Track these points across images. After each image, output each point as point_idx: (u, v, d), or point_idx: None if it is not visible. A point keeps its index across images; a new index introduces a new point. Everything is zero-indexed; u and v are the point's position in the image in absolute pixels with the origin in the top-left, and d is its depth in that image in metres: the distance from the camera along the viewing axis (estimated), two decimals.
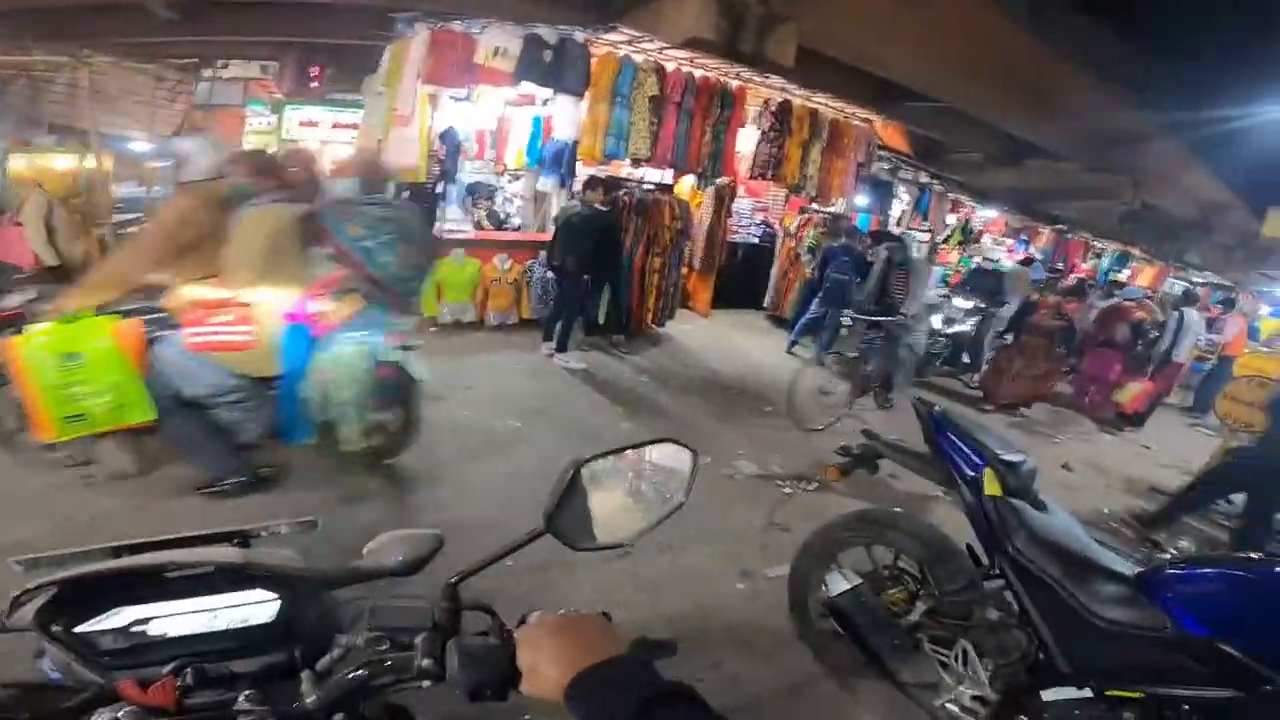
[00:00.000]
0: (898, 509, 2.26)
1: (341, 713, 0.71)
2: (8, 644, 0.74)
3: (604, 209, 5.43)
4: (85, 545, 0.72)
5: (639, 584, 2.69)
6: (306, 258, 2.63)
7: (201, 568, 0.69)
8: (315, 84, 12.16)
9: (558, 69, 5.48)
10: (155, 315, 2.53)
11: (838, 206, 8.33)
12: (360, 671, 0.64)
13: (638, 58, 5.92)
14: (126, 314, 2.49)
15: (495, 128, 7.67)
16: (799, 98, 6.94)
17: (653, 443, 0.76)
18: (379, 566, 0.78)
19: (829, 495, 3.68)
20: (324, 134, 12.04)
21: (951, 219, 10.99)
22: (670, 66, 6.07)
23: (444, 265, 5.83)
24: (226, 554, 0.72)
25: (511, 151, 7.31)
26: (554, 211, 6.27)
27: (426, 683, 0.63)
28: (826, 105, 7.20)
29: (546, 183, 6.40)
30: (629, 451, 0.74)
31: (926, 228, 10.35)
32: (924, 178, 9.77)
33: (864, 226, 8.65)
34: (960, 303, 7.47)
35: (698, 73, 6.23)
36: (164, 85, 8.20)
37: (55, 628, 0.65)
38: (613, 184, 6.14)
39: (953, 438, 1.95)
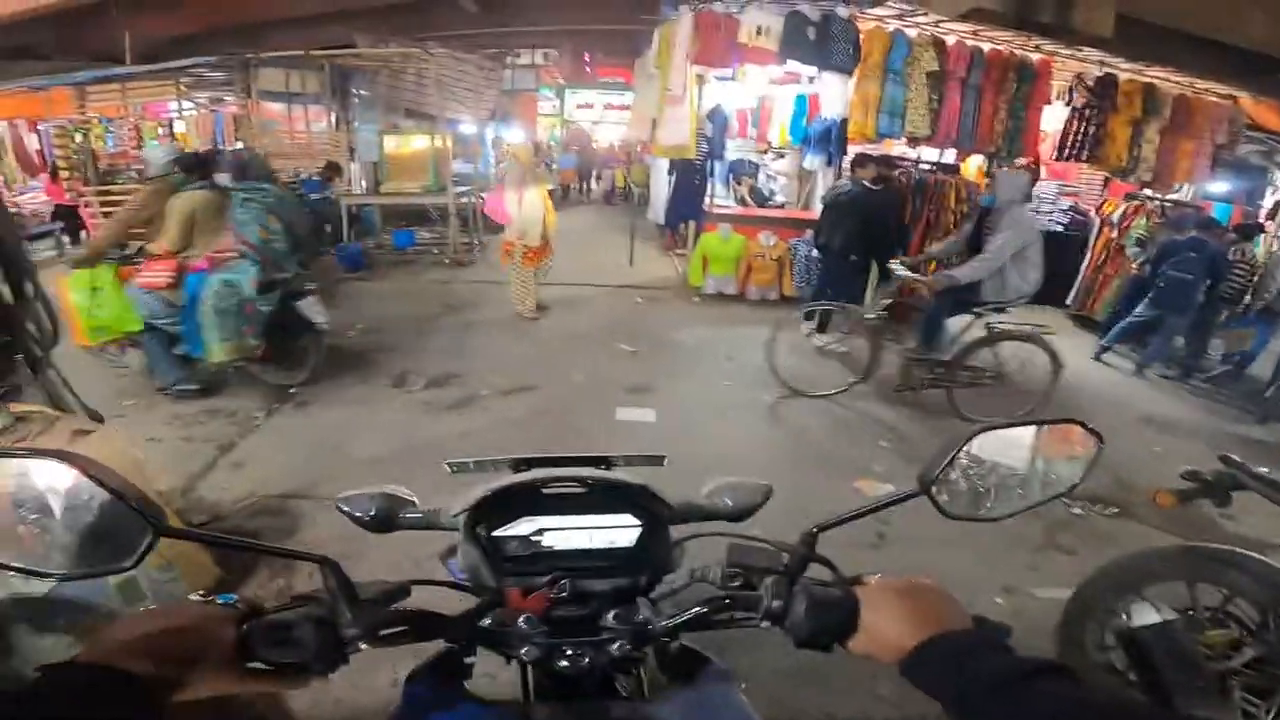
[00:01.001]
0: (1240, 549, 1.87)
1: (680, 639, 0.77)
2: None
3: (875, 188, 5.05)
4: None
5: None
6: (215, 228, 3.74)
7: (607, 485, 0.75)
8: (589, 69, 13.56)
9: (823, 46, 5.27)
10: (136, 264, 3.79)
11: (1182, 193, 6.64)
12: (713, 603, 0.67)
13: (910, 32, 5.46)
14: (123, 261, 3.74)
15: (756, 106, 7.70)
16: (1126, 71, 5.84)
17: (1055, 422, 0.72)
18: (715, 508, 0.82)
19: (1129, 524, 3.15)
20: (597, 114, 13.49)
21: None
22: (951, 40, 5.51)
23: (709, 239, 6.13)
24: (629, 478, 0.77)
25: (774, 129, 7.23)
26: (820, 190, 6.05)
27: (766, 623, 0.65)
28: (1168, 80, 5.95)
29: (813, 161, 6.20)
30: (1030, 427, 0.71)
31: None
32: None
33: (1223, 218, 6.74)
34: None
35: (986, 46, 5.59)
36: (482, 73, 9.67)
37: (479, 529, 0.73)
38: (886, 163, 5.69)
39: None
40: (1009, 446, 0.70)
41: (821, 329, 5.28)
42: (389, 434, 3.46)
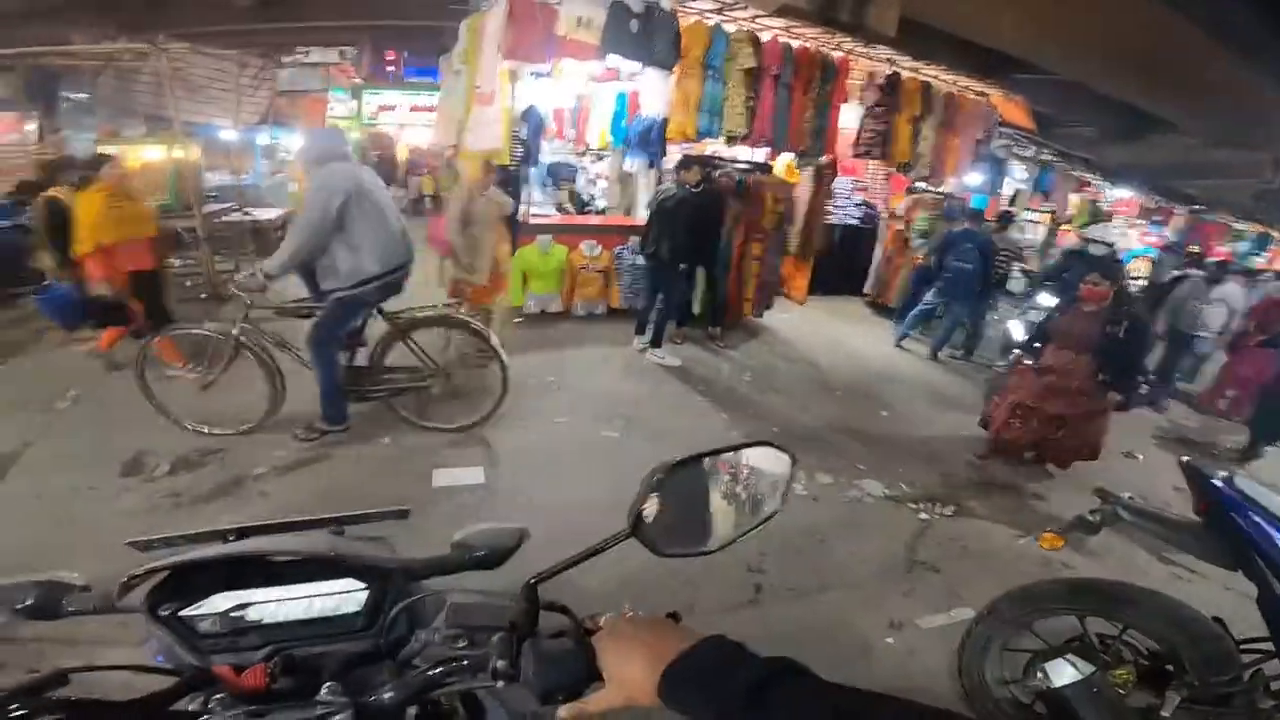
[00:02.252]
0: (1130, 582, 1.93)
1: (415, 706, 0.70)
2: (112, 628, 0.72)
3: (699, 191, 4.93)
4: (193, 528, 0.74)
5: (773, 637, 2.31)
6: None
7: (298, 556, 0.70)
8: (391, 68, 12.28)
9: (646, 40, 5.00)
10: None
11: (949, 186, 7.51)
12: (436, 669, 0.64)
13: (729, 27, 5.42)
14: None
15: (575, 105, 7.32)
16: (909, 70, 6.35)
17: (748, 445, 0.71)
18: (463, 558, 0.77)
19: (969, 522, 3.34)
20: (402, 117, 12.19)
21: (1075, 198, 9.78)
22: (766, 37, 5.55)
23: (529, 252, 5.53)
24: (323, 544, 0.73)
25: (594, 130, 6.88)
26: (642, 193, 5.82)
27: (500, 683, 0.61)
28: (940, 79, 6.61)
29: (634, 163, 5.95)
30: (722, 455, 0.69)
31: (1048, 208, 9.28)
32: (1046, 154, 8.75)
33: (980, 206, 7.75)
34: (1046, 299, 5.56)
35: (795, 43, 5.70)
36: (247, 72, 8.20)
37: (163, 611, 0.67)
38: (708, 164, 5.62)
39: (1256, 517, 1.63)
40: (708, 476, 0.68)
41: (656, 343, 5.07)
42: (119, 544, 2.44)
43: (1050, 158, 8.91)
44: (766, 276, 6.12)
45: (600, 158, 7.25)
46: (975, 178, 8.28)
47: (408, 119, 11.61)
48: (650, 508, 0.63)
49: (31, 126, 7.06)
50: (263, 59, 8.59)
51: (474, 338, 3.53)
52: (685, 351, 5.26)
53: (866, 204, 8.19)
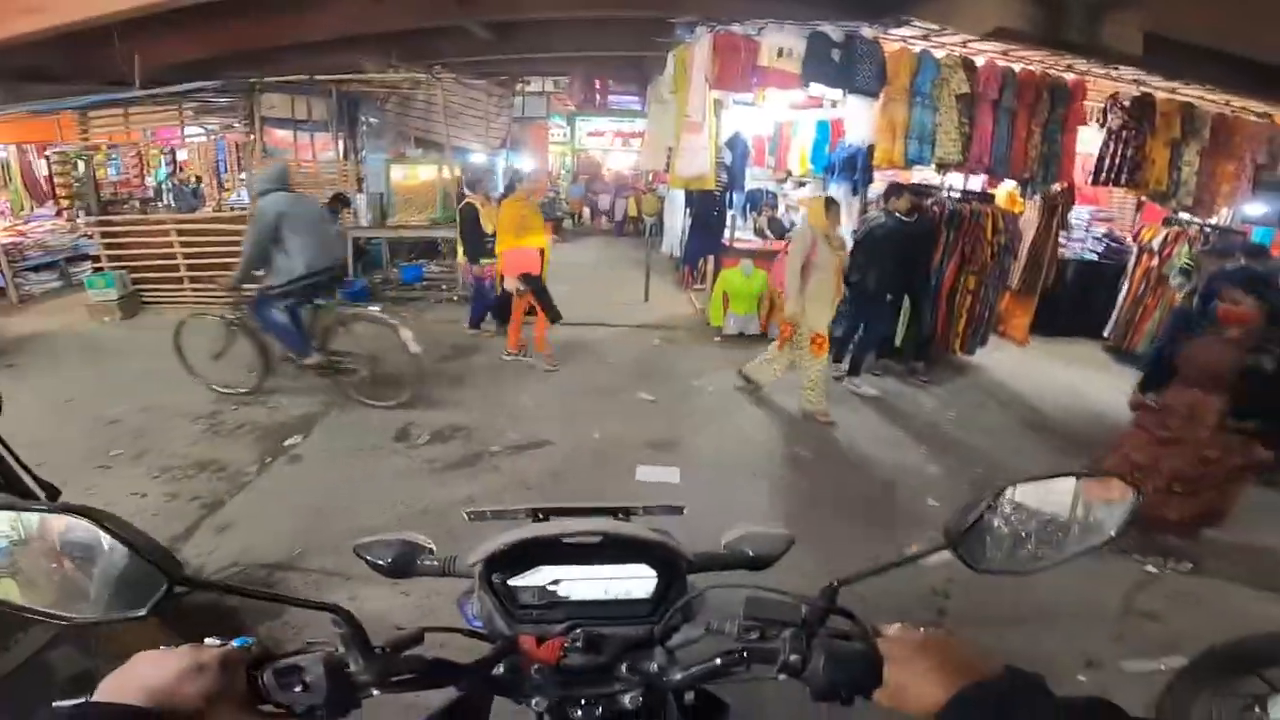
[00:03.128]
0: None
1: (693, 691, 0.76)
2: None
3: (909, 219, 4.79)
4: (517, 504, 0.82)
5: None
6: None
7: (632, 539, 0.75)
8: (600, 96, 13.51)
9: (848, 68, 5.04)
10: None
11: (1222, 218, 6.32)
12: (728, 655, 0.66)
13: (938, 53, 5.23)
14: None
15: (774, 132, 7.46)
16: (1163, 90, 5.60)
17: (1090, 475, 0.72)
18: (735, 557, 0.81)
19: (1208, 580, 2.90)
20: (608, 142, 13.36)
21: None
22: (981, 61, 5.27)
23: (731, 275, 5.80)
24: (646, 530, 0.77)
25: (794, 157, 6.95)
26: (844, 219, 5.75)
27: (783, 675, 0.64)
28: (1204, 98, 5.71)
29: (837, 189, 5.90)
30: (1065, 479, 0.71)
31: None
32: None
33: (1264, 241, 6.41)
34: None
35: (1018, 66, 5.35)
36: (493, 100, 9.53)
37: (495, 578, 0.73)
38: (919, 192, 5.42)
39: None
40: (1041, 499, 0.69)
41: (854, 372, 4.99)
42: (387, 498, 3.16)
43: None
44: (980, 311, 5.68)
45: (801, 184, 7.28)
46: (1257, 208, 6.89)
47: (612, 144, 12.68)
48: (972, 524, 0.66)
49: (340, 145, 8.91)
50: (502, 88, 9.95)
51: (394, 335, 4.13)
52: (884, 384, 5.08)
53: (1110, 236, 7.18)
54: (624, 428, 4.07)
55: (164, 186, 6.93)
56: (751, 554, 0.81)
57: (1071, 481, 0.70)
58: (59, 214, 7.66)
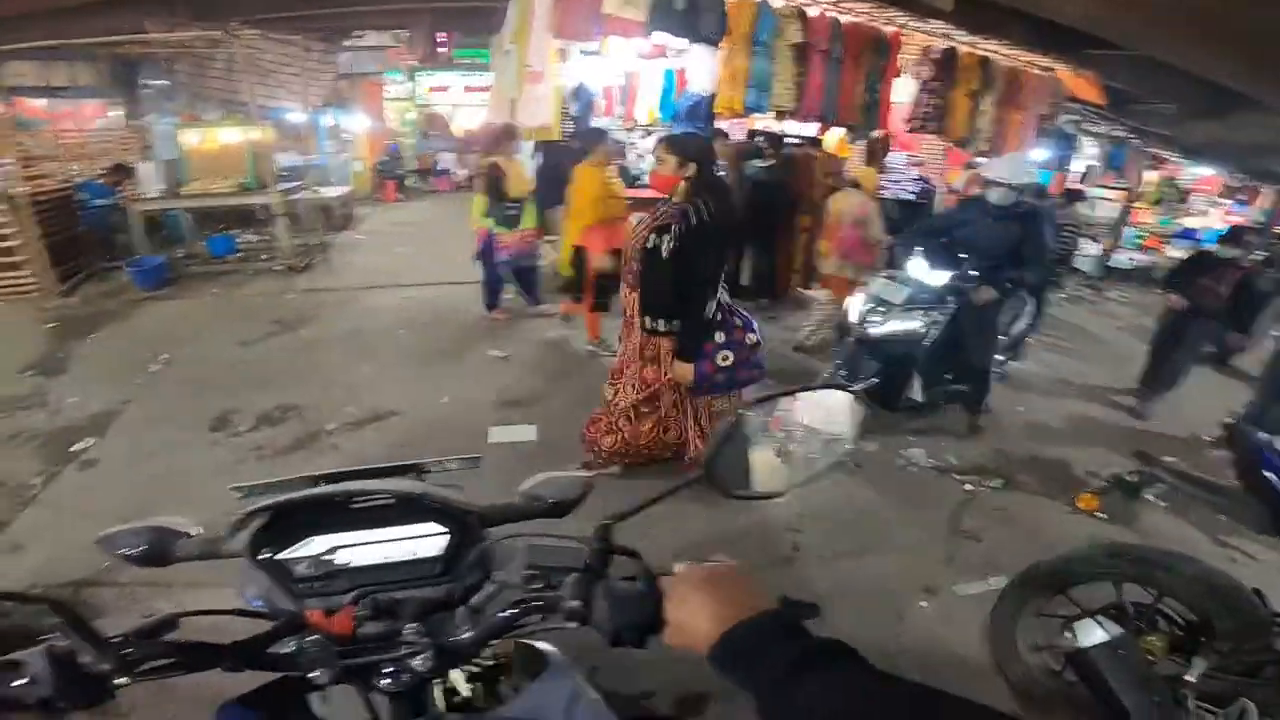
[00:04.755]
0: (1170, 549, 1.95)
1: (491, 647, 0.77)
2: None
3: (766, 167, 4.99)
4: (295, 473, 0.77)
5: (808, 596, 2.33)
6: None
7: (386, 497, 0.71)
8: (443, 49, 12.55)
9: (692, 17, 5.00)
10: None
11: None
12: (512, 610, 0.66)
13: (776, 3, 5.37)
14: None
15: (624, 83, 7.36)
16: (965, 45, 6.14)
17: (815, 387, 0.74)
18: (532, 506, 0.79)
19: (1017, 496, 3.23)
20: (455, 98, 12.49)
21: (1152, 175, 9.23)
22: (814, 12, 5.46)
23: None
24: (411, 485, 0.74)
25: (642, 107, 6.91)
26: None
27: (572, 624, 0.63)
28: (999, 53, 6.34)
29: None
30: (792, 397, 0.72)
31: (1121, 184, 8.79)
32: (1119, 131, 8.28)
33: (1045, 182, 7.46)
34: None
35: (845, 18, 5.60)
36: (311, 56, 8.54)
37: (263, 554, 0.69)
38: (775, 139, 5.69)
39: None
40: (782, 418, 0.71)
41: None
42: (209, 494, 2.73)
43: (1124, 134, 8.40)
44: (816, 248, 6.08)
45: (649, 133, 7.30)
46: (1040, 153, 7.98)
47: (460, 99, 11.87)
48: (721, 453, 0.67)
49: (117, 112, 7.59)
50: (325, 44, 8.92)
51: None
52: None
53: (923, 179, 7.97)
54: (474, 388, 3.89)
55: None
56: (551, 501, 0.78)
57: (799, 398, 0.71)
58: None
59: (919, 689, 0.47)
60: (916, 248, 3.63)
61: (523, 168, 4.99)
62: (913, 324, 3.45)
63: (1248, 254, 4.45)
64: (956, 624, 2.28)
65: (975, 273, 3.35)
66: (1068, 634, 1.76)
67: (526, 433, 3.39)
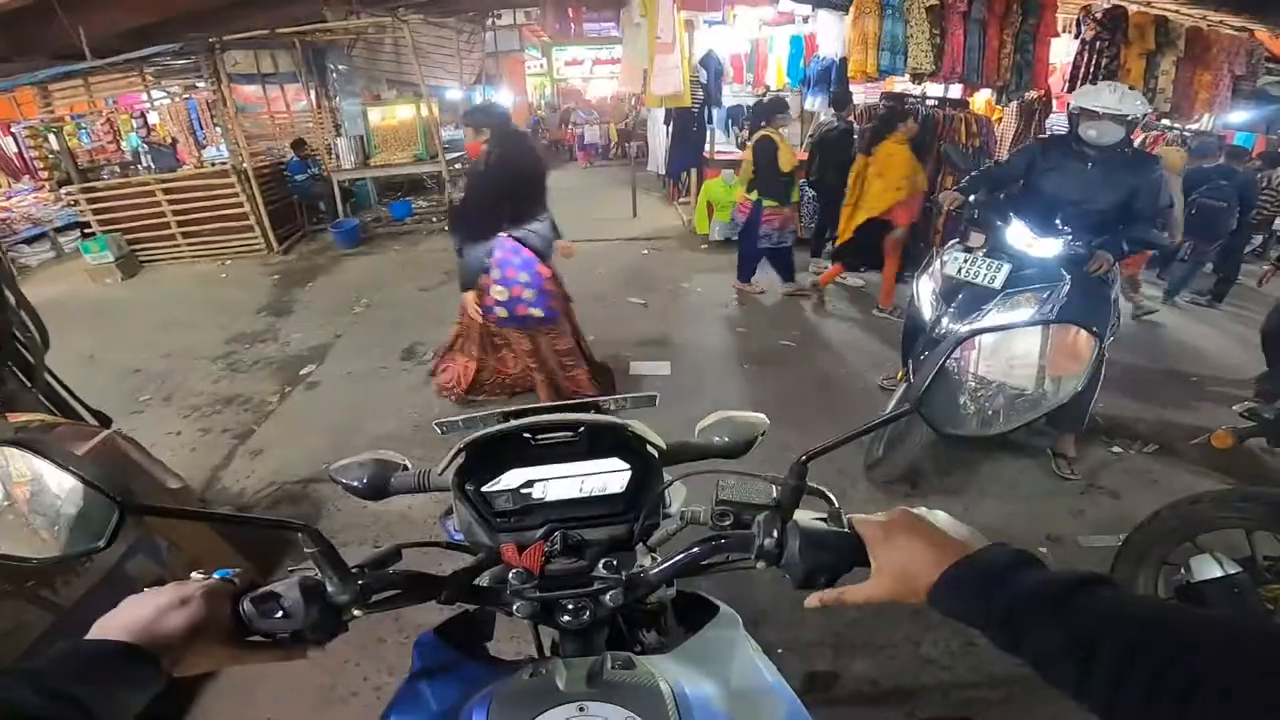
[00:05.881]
0: None
1: (675, 585, 0.77)
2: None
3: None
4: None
5: None
6: None
7: (573, 432, 0.71)
8: (574, 25, 13.04)
9: None
10: None
11: (1203, 123, 6.40)
12: (703, 545, 0.66)
13: None
14: None
15: (750, 50, 7.39)
16: (1138, 4, 5.64)
17: (1049, 323, 0.69)
18: (710, 444, 0.79)
19: (1169, 461, 2.99)
20: (586, 71, 13.01)
21: None
22: None
23: (712, 186, 5.97)
24: (613, 418, 0.74)
25: (771, 72, 6.94)
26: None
27: (761, 564, 0.62)
28: (1180, 12, 5.72)
29: (814, 101, 5.98)
30: (1024, 330, 0.67)
31: None
32: None
33: (1245, 144, 6.55)
34: None
35: None
36: (462, 37, 9.28)
37: (467, 487, 0.71)
38: (895, 99, 5.60)
39: None
40: (1002, 354, 0.66)
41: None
42: (403, 410, 3.44)
43: None
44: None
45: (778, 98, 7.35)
46: (1239, 115, 6.96)
47: (592, 72, 12.34)
48: (935, 385, 0.61)
49: (312, 95, 8.75)
50: (472, 24, 9.66)
51: None
52: (867, 276, 5.28)
53: None
54: (617, 330, 4.35)
55: (140, 149, 6.88)
56: (727, 440, 0.79)
57: (1028, 333, 0.67)
58: (41, 187, 7.66)
59: (1217, 620, 0.43)
60: (996, 206, 2.81)
61: (789, 145, 4.74)
62: (1024, 317, 2.52)
63: None
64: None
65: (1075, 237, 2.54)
66: (1182, 569, 1.70)
67: (663, 368, 3.81)
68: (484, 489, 0.71)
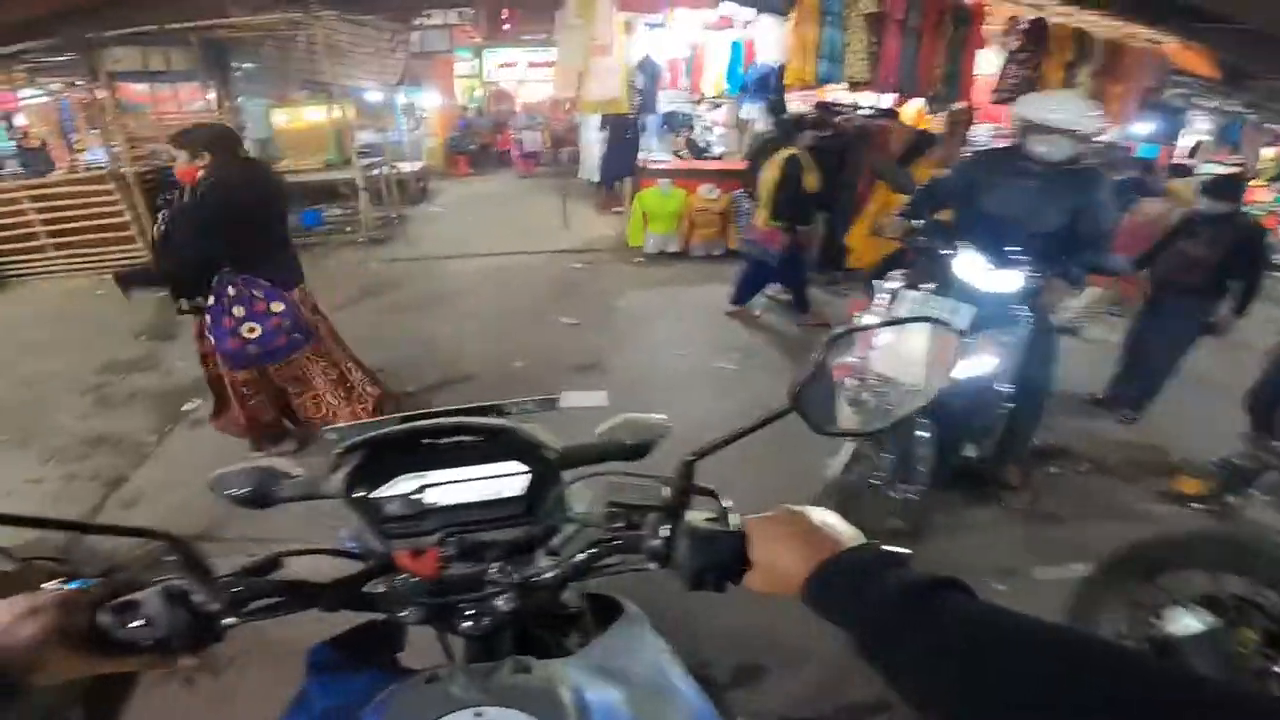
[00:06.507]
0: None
1: (571, 587, 0.76)
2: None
3: (824, 137, 4.87)
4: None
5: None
6: None
7: (473, 435, 0.72)
8: (508, 26, 12.64)
9: None
10: None
11: (1111, 136, 6.71)
12: (593, 549, 0.66)
13: None
14: None
15: (689, 55, 7.24)
16: (1059, 15, 5.77)
17: (909, 321, 0.72)
18: (610, 447, 0.77)
19: (1103, 479, 3.02)
20: (521, 74, 12.61)
21: (1269, 151, 8.37)
22: None
23: (648, 195, 5.77)
24: (497, 420, 0.73)
25: (709, 78, 6.80)
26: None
27: (653, 565, 0.63)
28: (1097, 24, 5.94)
29: (751, 109, 5.87)
30: (884, 329, 0.69)
31: (1235, 161, 8.03)
32: (1234, 105, 7.54)
33: (1150, 156, 6.90)
34: None
35: None
36: (384, 36, 8.75)
37: (356, 493, 0.69)
38: (831, 110, 5.55)
39: None
40: (877, 352, 0.70)
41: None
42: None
43: (1239, 109, 7.65)
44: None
45: (716, 105, 7.21)
46: (1144, 127, 7.37)
47: (526, 75, 11.96)
48: (811, 382, 0.61)
49: (211, 96, 8.03)
50: (396, 23, 9.14)
51: None
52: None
53: None
54: (547, 353, 4.04)
55: (4, 152, 6.05)
56: (628, 443, 0.77)
57: (893, 332, 0.69)
58: None
59: (1065, 631, 0.43)
60: (943, 233, 2.51)
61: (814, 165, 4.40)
62: (991, 361, 2.30)
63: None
64: (1035, 610, 2.18)
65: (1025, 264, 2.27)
66: (1154, 620, 1.67)
67: (598, 398, 3.46)
68: (374, 495, 0.69)
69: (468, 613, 0.65)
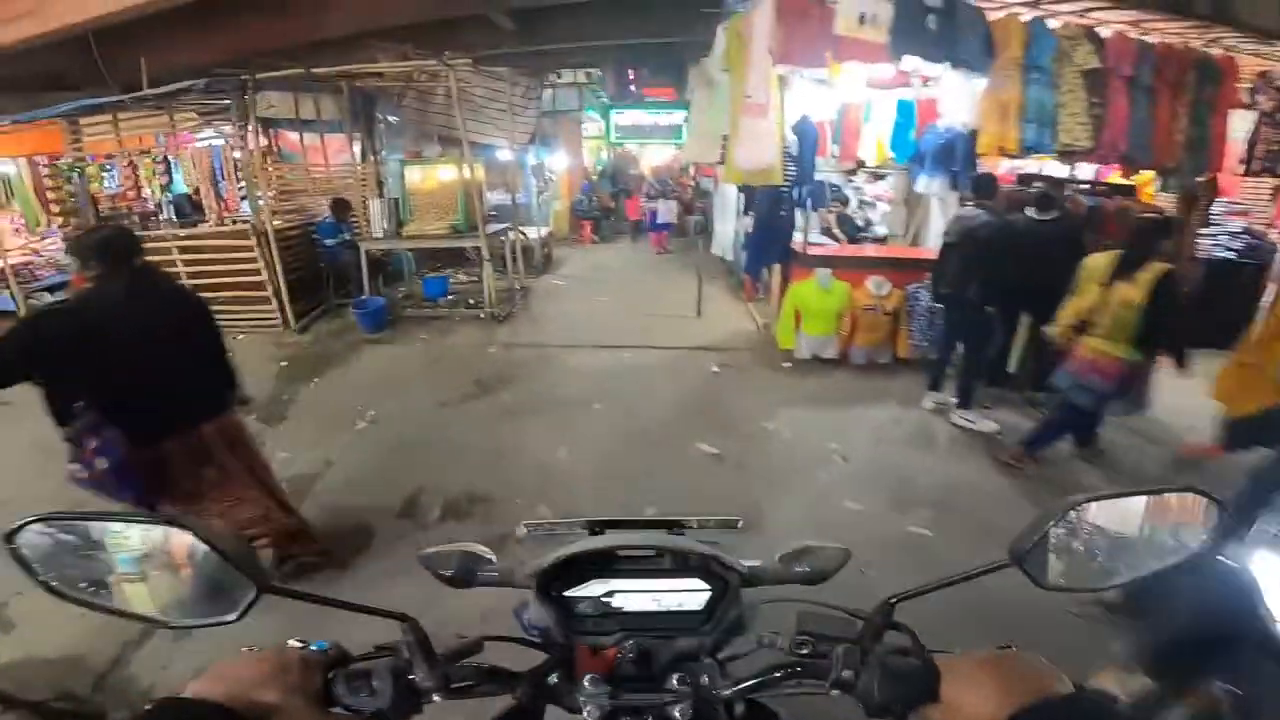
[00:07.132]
0: None
1: (744, 702, 0.74)
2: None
3: (1044, 218, 3.87)
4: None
5: None
6: None
7: (666, 552, 0.76)
8: (633, 86, 12.59)
9: (947, 37, 4.10)
10: None
11: None
12: (776, 671, 0.66)
13: (1053, 23, 4.36)
14: None
15: (838, 116, 6.43)
16: None
17: (1163, 491, 0.64)
18: (790, 571, 0.79)
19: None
20: (644, 135, 12.47)
21: None
22: (1107, 32, 4.43)
23: (803, 289, 4.89)
24: (698, 544, 0.76)
25: (868, 144, 5.94)
26: (937, 218, 4.79)
27: (835, 691, 0.62)
28: None
29: (929, 182, 4.94)
30: (1136, 497, 0.63)
31: None
32: None
33: None
34: None
35: (1154, 39, 4.52)
36: (516, 91, 8.73)
37: (552, 590, 0.73)
38: (1055, 184, 4.59)
39: None
40: (1111, 516, 0.64)
41: (964, 404, 4.08)
42: (390, 595, 2.36)
43: None
44: None
45: (878, 176, 6.24)
46: None
47: (649, 137, 11.75)
48: (1040, 542, 0.60)
49: (357, 149, 8.28)
50: (530, 79, 9.16)
51: None
52: (1000, 417, 4.10)
53: (1249, 232, 6.06)
54: (684, 498, 3.22)
55: (163, 200, 6.31)
56: (808, 570, 0.78)
57: (1142, 500, 0.63)
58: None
59: None
60: None
61: None
62: None
63: None
64: None
65: None
66: None
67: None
68: (567, 593, 0.73)
69: (635, 712, 0.67)
